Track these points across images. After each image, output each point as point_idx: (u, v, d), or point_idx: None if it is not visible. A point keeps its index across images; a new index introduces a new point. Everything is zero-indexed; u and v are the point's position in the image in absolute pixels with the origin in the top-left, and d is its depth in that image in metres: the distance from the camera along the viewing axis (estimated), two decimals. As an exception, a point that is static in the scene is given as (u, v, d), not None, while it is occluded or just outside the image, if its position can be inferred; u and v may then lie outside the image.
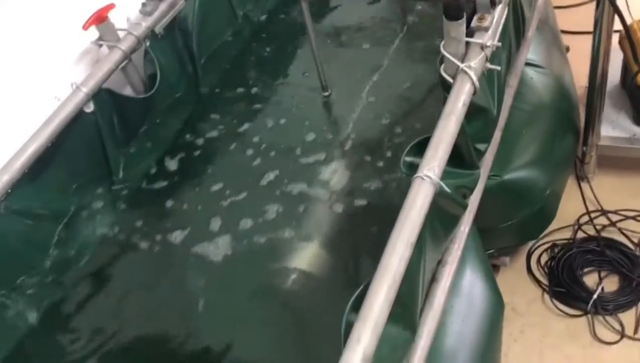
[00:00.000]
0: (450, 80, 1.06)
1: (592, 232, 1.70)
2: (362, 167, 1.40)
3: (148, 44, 1.45)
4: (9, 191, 1.17)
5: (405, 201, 0.90)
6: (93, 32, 1.40)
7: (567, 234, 1.73)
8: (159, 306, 1.20)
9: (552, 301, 1.61)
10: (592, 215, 1.73)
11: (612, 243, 1.65)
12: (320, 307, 1.18)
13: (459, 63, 1.03)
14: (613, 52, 1.69)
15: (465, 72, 1.03)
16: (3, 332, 1.15)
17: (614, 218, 1.71)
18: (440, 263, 1.15)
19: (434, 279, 1.13)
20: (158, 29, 1.48)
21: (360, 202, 1.34)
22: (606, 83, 1.64)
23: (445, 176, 1.02)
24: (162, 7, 1.46)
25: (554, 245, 1.70)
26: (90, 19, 1.34)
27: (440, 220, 1.05)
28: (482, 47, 1.06)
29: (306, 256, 1.26)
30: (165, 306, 1.20)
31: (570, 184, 1.78)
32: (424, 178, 0.91)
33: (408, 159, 1.03)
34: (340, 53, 1.66)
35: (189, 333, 1.16)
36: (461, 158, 1.13)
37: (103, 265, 1.28)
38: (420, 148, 1.00)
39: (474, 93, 1.05)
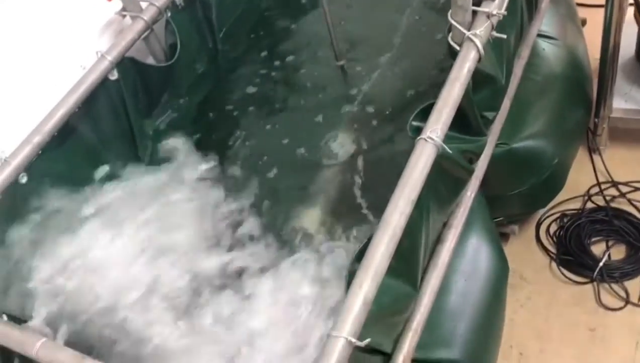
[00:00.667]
0: (457, 47, 1.09)
1: (601, 203, 1.73)
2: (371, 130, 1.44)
3: (169, 14, 1.50)
4: (39, 152, 1.25)
5: (409, 161, 0.95)
6: (117, 4, 1.45)
7: (577, 204, 1.76)
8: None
9: (559, 269, 1.65)
10: (603, 186, 1.75)
11: (620, 213, 1.68)
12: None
13: (465, 31, 1.07)
14: (629, 26, 1.70)
15: (471, 40, 1.07)
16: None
17: (624, 189, 1.74)
18: (445, 225, 1.20)
19: (439, 240, 1.18)
20: (179, 0, 1.53)
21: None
22: (618, 56, 1.65)
23: (450, 140, 1.07)
24: (183, -22, 1.51)
25: (563, 215, 1.73)
26: (114, -10, 1.40)
27: (444, 182, 1.10)
28: (489, 15, 1.09)
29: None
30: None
31: (582, 155, 1.81)
32: (427, 139, 0.96)
33: (415, 123, 1.08)
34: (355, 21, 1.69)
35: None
36: (467, 124, 1.17)
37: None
38: (427, 113, 1.04)
39: (479, 60, 1.09)
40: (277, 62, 1.69)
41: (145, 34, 1.46)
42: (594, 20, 1.92)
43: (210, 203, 1.30)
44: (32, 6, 1.34)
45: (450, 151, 1.00)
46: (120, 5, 1.46)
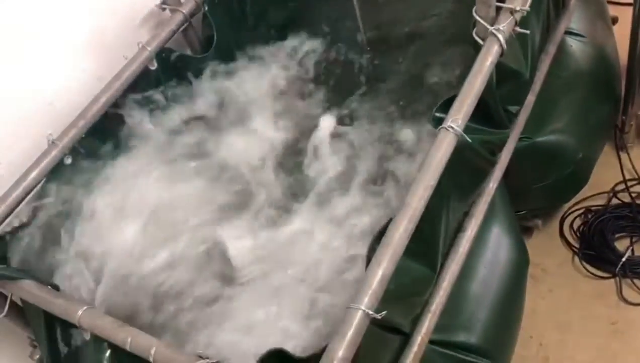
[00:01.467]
0: (481, 42, 1.13)
1: (627, 200, 1.74)
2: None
3: (206, 8, 1.57)
4: (83, 135, 1.33)
5: (430, 149, 1.00)
6: (158, -3, 1.53)
7: (602, 201, 1.77)
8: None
9: (581, 263, 1.67)
10: (629, 184, 1.76)
11: (645, 210, 1.69)
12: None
13: (488, 26, 1.11)
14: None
15: (494, 35, 1.10)
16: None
17: (650, 186, 1.75)
18: (467, 214, 1.24)
19: (460, 229, 1.23)
20: (216, -5, 1.60)
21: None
22: (645, 53, 1.66)
23: (472, 131, 1.11)
24: (220, -27, 1.57)
25: (587, 211, 1.75)
26: (155, -16, 1.48)
27: (465, 171, 1.14)
28: (512, 11, 1.13)
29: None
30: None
31: (609, 153, 1.82)
32: (448, 128, 1.00)
33: (438, 114, 1.12)
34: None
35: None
36: (490, 116, 1.21)
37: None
38: (449, 105, 1.08)
39: (502, 54, 1.12)
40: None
41: (184, 26, 1.53)
42: (626, 18, 1.93)
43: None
44: (82, 3, 1.43)
45: (469, 140, 1.04)
46: (161, -1, 1.54)
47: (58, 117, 1.39)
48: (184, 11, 1.51)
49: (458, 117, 1.01)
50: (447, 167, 1.00)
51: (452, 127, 0.99)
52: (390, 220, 0.94)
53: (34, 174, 1.25)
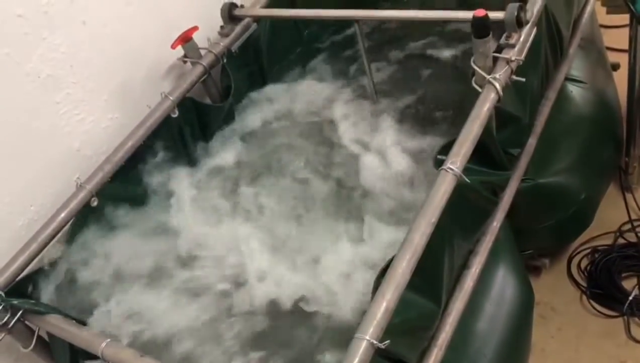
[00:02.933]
0: (479, 89, 1.21)
1: (633, 239, 1.78)
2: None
3: (225, 60, 1.68)
4: (109, 179, 1.42)
5: (431, 189, 1.07)
6: (179, 51, 1.64)
7: (608, 240, 1.81)
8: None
9: (589, 302, 1.70)
10: (635, 224, 1.80)
11: (651, 250, 1.72)
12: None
13: (485, 75, 1.19)
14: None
15: (491, 83, 1.18)
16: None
17: (656, 226, 1.78)
18: (472, 252, 1.30)
19: (465, 266, 1.28)
20: (234, 48, 1.71)
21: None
22: (644, 98, 1.73)
23: (473, 172, 1.18)
24: (238, 29, 1.69)
25: (594, 250, 1.79)
26: (177, 39, 1.59)
27: (467, 210, 1.20)
28: (508, 61, 1.21)
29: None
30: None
31: (615, 193, 1.87)
32: (447, 170, 1.07)
33: (439, 156, 1.19)
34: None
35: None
36: (490, 158, 1.28)
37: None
38: (450, 148, 1.16)
39: (499, 101, 1.20)
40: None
41: (204, 77, 1.64)
42: (627, 64, 2.00)
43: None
44: (111, 57, 1.55)
45: (468, 181, 1.10)
46: (182, 52, 1.65)
47: (85, 162, 1.49)
48: (204, 64, 1.62)
49: (457, 159, 1.08)
50: (448, 206, 1.07)
51: (451, 169, 1.06)
52: (394, 256, 1.00)
53: (62, 215, 1.34)
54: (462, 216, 1.17)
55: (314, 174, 1.52)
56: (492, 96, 1.18)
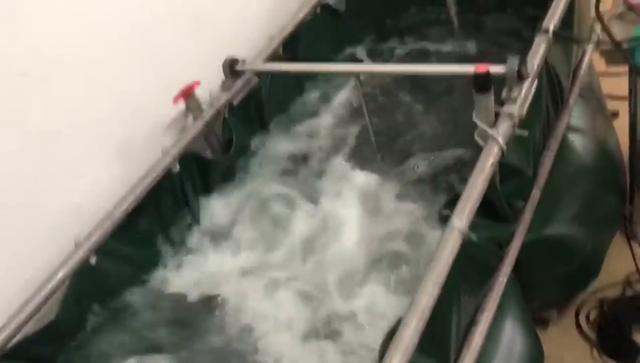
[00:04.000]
0: (482, 143, 1.21)
1: (641, 290, 1.74)
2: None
3: (226, 114, 1.68)
4: (109, 236, 1.40)
5: (437, 247, 1.05)
6: (181, 105, 1.65)
7: (616, 291, 1.77)
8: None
9: (600, 356, 1.65)
10: (642, 273, 1.77)
11: (661, 302, 1.68)
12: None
13: (488, 129, 1.19)
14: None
15: (494, 138, 1.18)
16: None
17: (664, 277, 1.75)
18: (478, 308, 1.27)
19: (472, 323, 1.24)
20: (235, 102, 1.72)
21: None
22: (646, 146, 1.72)
23: (478, 227, 1.17)
24: (239, 83, 1.70)
25: (602, 302, 1.75)
26: (179, 94, 1.60)
27: (473, 267, 1.18)
28: (510, 116, 1.21)
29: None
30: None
31: (620, 242, 1.84)
32: (453, 228, 1.05)
33: (444, 212, 1.18)
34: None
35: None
36: (495, 212, 1.26)
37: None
38: (454, 203, 1.14)
39: (502, 155, 1.19)
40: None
41: (205, 131, 1.64)
42: (626, 111, 2.01)
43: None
44: (113, 113, 1.55)
45: (475, 239, 1.09)
46: (184, 106, 1.65)
47: (85, 218, 1.47)
48: (205, 118, 1.62)
49: (462, 216, 1.07)
50: (454, 264, 1.04)
51: (457, 226, 1.05)
52: (400, 318, 0.97)
53: (60, 274, 1.31)
54: (468, 273, 1.15)
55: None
56: (496, 150, 1.17)
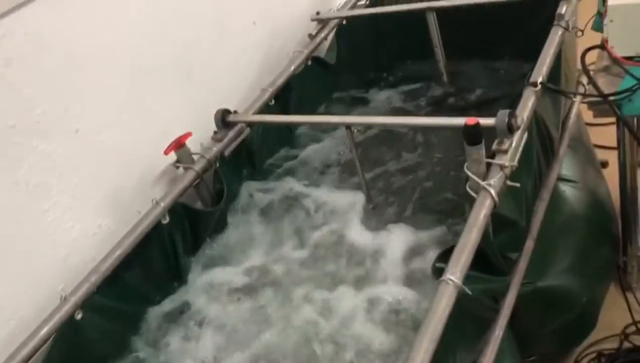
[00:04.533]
0: (474, 195, 1.20)
1: (639, 342, 1.71)
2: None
3: (218, 165, 1.68)
4: (95, 290, 1.37)
5: (431, 302, 1.02)
6: (172, 156, 1.64)
7: (613, 343, 1.74)
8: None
9: (600, 412, 1.61)
10: (639, 325, 1.74)
11: (659, 354, 1.65)
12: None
13: (480, 181, 1.19)
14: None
15: (486, 189, 1.18)
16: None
17: (661, 328, 1.73)
18: (475, 364, 1.24)
19: (469, 379, 1.21)
20: (227, 152, 1.71)
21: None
22: (637, 196, 1.73)
23: (472, 280, 1.15)
24: (231, 134, 1.70)
25: (600, 355, 1.72)
26: (170, 145, 1.60)
27: (469, 321, 1.16)
28: (502, 167, 1.21)
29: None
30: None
31: (615, 293, 1.82)
32: (448, 282, 1.03)
33: (438, 264, 1.16)
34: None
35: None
36: (489, 265, 1.25)
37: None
38: (448, 255, 1.13)
39: (495, 207, 1.19)
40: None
41: (196, 182, 1.63)
42: (616, 162, 2.02)
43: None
44: (103, 164, 1.54)
45: (470, 293, 1.07)
46: (174, 158, 1.65)
47: (71, 271, 1.44)
48: (197, 169, 1.62)
49: (456, 270, 1.05)
50: (450, 318, 1.02)
51: (451, 280, 1.03)
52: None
53: (44, 330, 1.27)
54: (464, 328, 1.13)
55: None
56: (488, 202, 1.17)
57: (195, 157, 1.65)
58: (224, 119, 1.68)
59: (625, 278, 1.83)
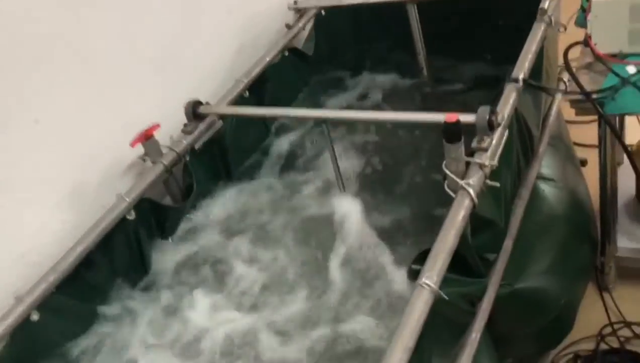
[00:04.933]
0: (453, 195, 1.16)
1: (615, 343, 1.69)
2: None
3: (188, 158, 1.61)
4: (54, 290, 1.30)
5: (406, 307, 0.97)
6: (139, 149, 1.57)
7: (590, 345, 1.72)
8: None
9: (576, 415, 1.59)
10: (615, 327, 1.72)
11: (635, 357, 1.63)
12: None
13: (458, 180, 1.14)
14: (628, 166, 1.77)
15: (465, 189, 1.13)
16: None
17: (638, 330, 1.71)
18: (450, 369, 1.19)
19: (444, 384, 1.17)
20: (197, 146, 1.64)
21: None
22: (616, 196, 1.70)
23: (449, 283, 1.10)
24: (202, 126, 1.63)
25: (576, 357, 1.69)
26: (137, 137, 1.52)
27: (445, 326, 1.11)
28: (481, 166, 1.17)
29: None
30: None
31: (592, 294, 1.80)
32: (423, 285, 0.98)
33: (414, 267, 1.11)
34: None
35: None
36: (466, 267, 1.20)
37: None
38: (425, 257, 1.08)
39: (474, 207, 1.14)
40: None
41: (165, 177, 1.56)
42: (595, 161, 2.00)
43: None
44: (65, 156, 1.46)
45: (446, 297, 1.02)
46: (142, 150, 1.57)
47: (30, 270, 1.36)
48: (165, 162, 1.54)
49: (433, 274, 1.00)
50: (425, 324, 0.97)
51: (427, 284, 0.98)
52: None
53: (-3, 333, 1.20)
54: (440, 333, 1.08)
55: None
56: (467, 202, 1.12)
57: (164, 150, 1.58)
58: (194, 110, 1.61)
59: (603, 278, 1.81)
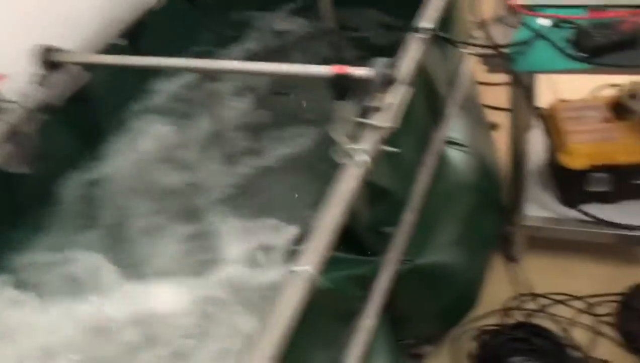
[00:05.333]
0: (342, 162, 0.99)
1: (521, 317, 1.62)
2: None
3: (43, 117, 1.35)
4: None
5: (277, 298, 0.80)
6: (-20, 103, 1.30)
7: (496, 319, 1.64)
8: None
9: (480, 391, 1.50)
10: (522, 299, 1.65)
11: (540, 330, 1.56)
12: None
13: (348, 145, 0.97)
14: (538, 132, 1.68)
15: (356, 155, 0.96)
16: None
17: (544, 302, 1.64)
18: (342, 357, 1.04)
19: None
20: (57, 101, 1.39)
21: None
22: (526, 162, 1.61)
23: (336, 265, 0.94)
24: (60, 78, 1.37)
25: (482, 332, 1.60)
26: (-26, 89, 1.26)
27: (330, 316, 0.95)
28: (376, 128, 1.00)
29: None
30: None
31: (499, 265, 1.72)
32: (297, 272, 0.81)
33: (293, 249, 0.94)
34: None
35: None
36: (357, 244, 1.04)
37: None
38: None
39: (366, 176, 0.97)
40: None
41: (12, 138, 1.30)
42: (506, 124, 1.90)
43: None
44: None
45: (330, 284, 0.85)
46: (-18, 105, 1.31)
47: None
48: (12, 120, 1.30)
49: (311, 257, 0.83)
50: (302, 319, 0.80)
51: (302, 272, 0.81)
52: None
53: None
54: (323, 326, 0.92)
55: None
56: (358, 171, 0.95)
57: (10, 106, 1.31)
58: (47, 57, 1.34)
59: (510, 249, 1.72)
